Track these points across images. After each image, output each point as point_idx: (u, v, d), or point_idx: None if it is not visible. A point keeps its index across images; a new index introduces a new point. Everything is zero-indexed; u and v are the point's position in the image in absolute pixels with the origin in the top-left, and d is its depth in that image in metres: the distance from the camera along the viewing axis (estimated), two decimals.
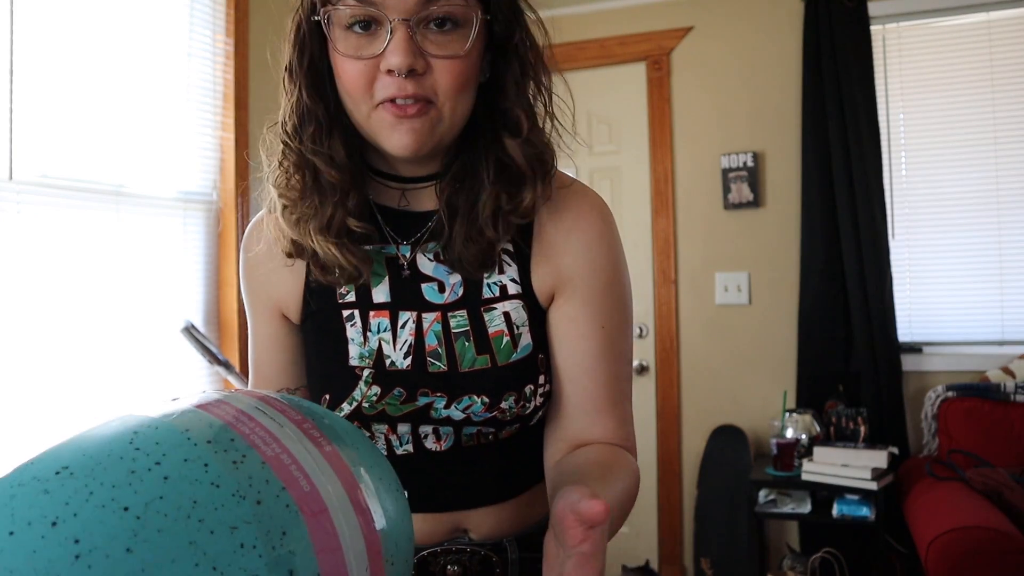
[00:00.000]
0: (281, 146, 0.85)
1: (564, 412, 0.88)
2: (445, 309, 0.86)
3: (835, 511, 2.71)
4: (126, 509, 0.42)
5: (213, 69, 2.75)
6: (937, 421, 2.87)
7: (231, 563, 0.42)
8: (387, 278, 0.87)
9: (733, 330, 3.32)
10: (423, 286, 0.87)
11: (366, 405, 0.85)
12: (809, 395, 3.13)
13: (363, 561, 0.49)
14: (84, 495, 0.42)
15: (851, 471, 2.66)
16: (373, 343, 0.86)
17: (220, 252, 2.78)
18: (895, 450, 2.81)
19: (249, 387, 0.96)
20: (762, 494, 2.90)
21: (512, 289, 0.87)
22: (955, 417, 2.82)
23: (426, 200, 0.89)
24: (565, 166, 0.90)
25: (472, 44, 0.78)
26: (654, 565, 3.38)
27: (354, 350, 0.86)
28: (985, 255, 3.06)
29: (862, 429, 2.91)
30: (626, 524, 1.11)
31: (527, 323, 0.87)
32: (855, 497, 2.70)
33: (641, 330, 3.46)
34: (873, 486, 2.62)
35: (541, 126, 0.87)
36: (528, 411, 0.86)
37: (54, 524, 0.41)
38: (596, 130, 3.53)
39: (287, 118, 0.84)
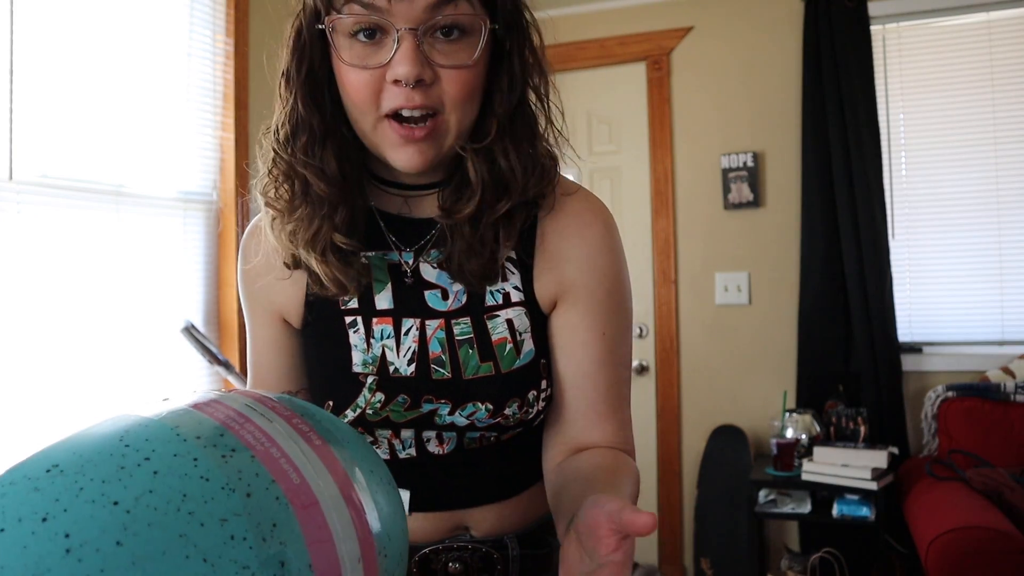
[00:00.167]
0: (272, 152, 0.84)
1: (565, 416, 0.88)
2: (448, 316, 0.86)
3: (835, 511, 2.71)
4: (116, 503, 0.42)
5: (213, 69, 2.76)
6: (937, 421, 2.87)
7: (221, 555, 0.42)
8: (390, 285, 0.87)
9: (733, 330, 3.32)
10: (426, 293, 0.87)
11: (370, 412, 0.85)
12: (809, 395, 3.13)
13: (355, 552, 0.49)
14: (74, 491, 0.42)
15: (851, 471, 2.66)
16: (376, 350, 0.86)
17: (220, 252, 2.79)
18: (895, 450, 2.81)
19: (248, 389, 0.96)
20: (762, 494, 2.90)
21: (515, 297, 0.87)
22: (955, 417, 2.82)
23: (428, 207, 0.88)
24: (565, 170, 0.90)
25: (480, 53, 0.77)
26: (654, 565, 3.37)
27: (357, 357, 0.86)
28: (985, 255, 3.06)
29: (862, 429, 2.91)
30: None
31: (529, 329, 0.87)
32: (855, 497, 2.70)
33: (641, 330, 3.46)
34: (873, 486, 2.62)
35: (543, 134, 0.86)
36: (531, 416, 0.87)
37: (44, 520, 0.41)
38: (596, 130, 3.53)
39: (280, 126, 0.83)
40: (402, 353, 0.86)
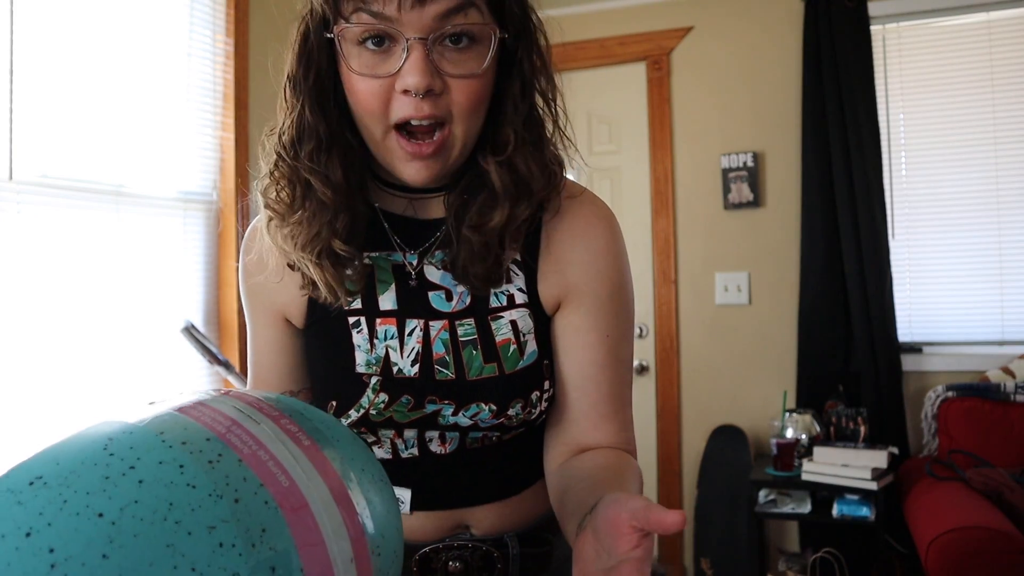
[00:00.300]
0: (275, 155, 0.83)
1: (567, 417, 0.89)
2: (452, 317, 0.86)
3: (835, 511, 2.70)
4: (101, 515, 0.41)
5: (213, 69, 2.76)
6: (937, 421, 2.86)
7: (211, 563, 0.42)
8: (394, 286, 0.87)
9: (733, 330, 3.32)
10: (430, 294, 0.87)
11: (373, 412, 0.85)
12: (809, 395, 3.13)
13: (348, 553, 0.49)
14: (58, 504, 0.42)
15: (851, 471, 2.66)
16: (380, 350, 0.86)
17: (220, 252, 2.79)
18: (895, 450, 2.80)
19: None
20: (762, 494, 2.89)
21: (519, 298, 0.87)
22: (955, 417, 2.81)
23: (433, 208, 0.88)
24: (569, 171, 0.90)
25: (489, 63, 0.77)
26: (660, 569, 3.37)
27: (361, 357, 0.86)
28: (985, 255, 3.05)
29: (862, 429, 2.91)
30: None
31: (533, 331, 0.87)
32: (855, 497, 2.70)
33: (641, 330, 3.45)
34: (873, 486, 2.61)
35: (550, 138, 0.86)
36: (533, 416, 0.87)
37: (28, 535, 0.40)
38: (596, 130, 3.53)
39: (285, 130, 0.82)
40: (406, 354, 0.86)
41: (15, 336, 2.08)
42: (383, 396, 0.85)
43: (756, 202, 3.26)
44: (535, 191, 0.83)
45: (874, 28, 3.12)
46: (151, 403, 0.52)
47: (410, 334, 0.86)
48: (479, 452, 0.90)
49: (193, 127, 2.68)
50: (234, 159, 2.78)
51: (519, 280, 0.87)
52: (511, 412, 0.85)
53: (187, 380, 2.61)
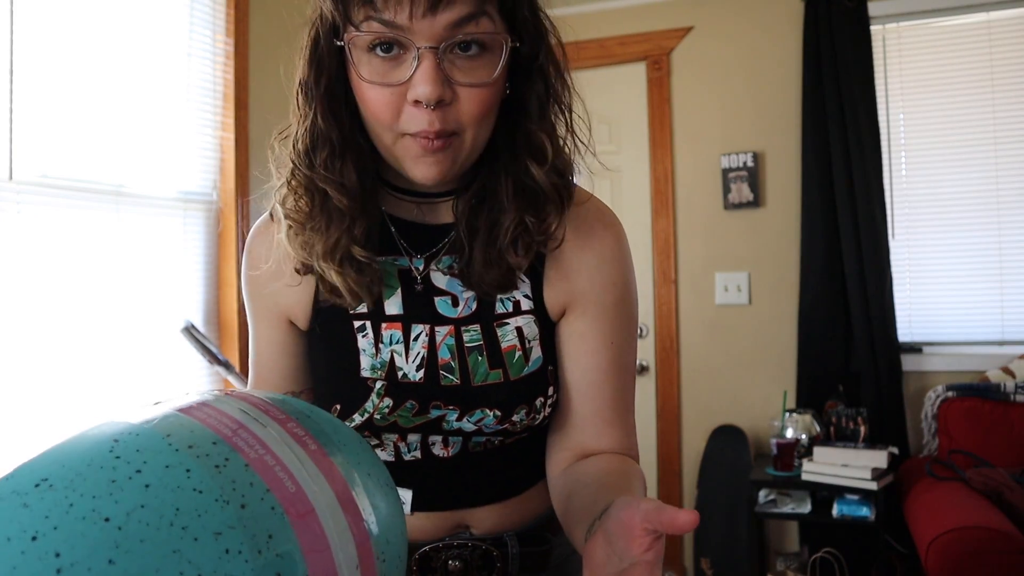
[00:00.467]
0: (291, 164, 0.83)
1: (571, 422, 0.89)
2: (458, 323, 0.86)
3: (835, 511, 2.70)
4: (107, 520, 0.41)
5: (213, 69, 2.76)
6: (937, 421, 2.86)
7: (217, 570, 0.42)
8: (400, 290, 0.87)
9: (733, 330, 3.32)
10: (436, 300, 0.87)
11: (378, 417, 0.85)
12: (809, 395, 3.13)
13: (353, 560, 0.49)
14: (64, 507, 0.41)
15: (851, 471, 2.66)
16: (385, 355, 0.86)
17: (220, 252, 2.78)
18: (895, 450, 2.81)
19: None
20: (762, 494, 2.89)
21: (525, 305, 0.87)
22: (955, 417, 2.81)
23: (441, 213, 0.88)
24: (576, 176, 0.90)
25: (500, 71, 0.77)
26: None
27: (366, 361, 0.86)
28: (985, 255, 3.05)
29: (862, 429, 2.91)
30: None
31: (538, 337, 0.87)
32: (855, 497, 2.70)
33: (641, 330, 3.45)
34: (873, 486, 2.62)
35: (562, 144, 0.86)
36: (537, 421, 0.88)
37: (34, 538, 0.40)
38: (596, 130, 3.49)
39: (299, 138, 0.82)
40: (411, 359, 0.86)
41: (15, 336, 2.08)
42: (388, 401, 0.85)
43: (756, 202, 3.26)
44: (546, 199, 0.83)
45: (874, 28, 3.12)
46: (157, 403, 0.52)
47: (415, 339, 0.86)
48: (481, 455, 0.90)
49: (193, 127, 2.67)
50: (234, 159, 2.77)
51: (525, 286, 0.88)
52: (515, 418, 0.85)
53: (187, 380, 2.61)
